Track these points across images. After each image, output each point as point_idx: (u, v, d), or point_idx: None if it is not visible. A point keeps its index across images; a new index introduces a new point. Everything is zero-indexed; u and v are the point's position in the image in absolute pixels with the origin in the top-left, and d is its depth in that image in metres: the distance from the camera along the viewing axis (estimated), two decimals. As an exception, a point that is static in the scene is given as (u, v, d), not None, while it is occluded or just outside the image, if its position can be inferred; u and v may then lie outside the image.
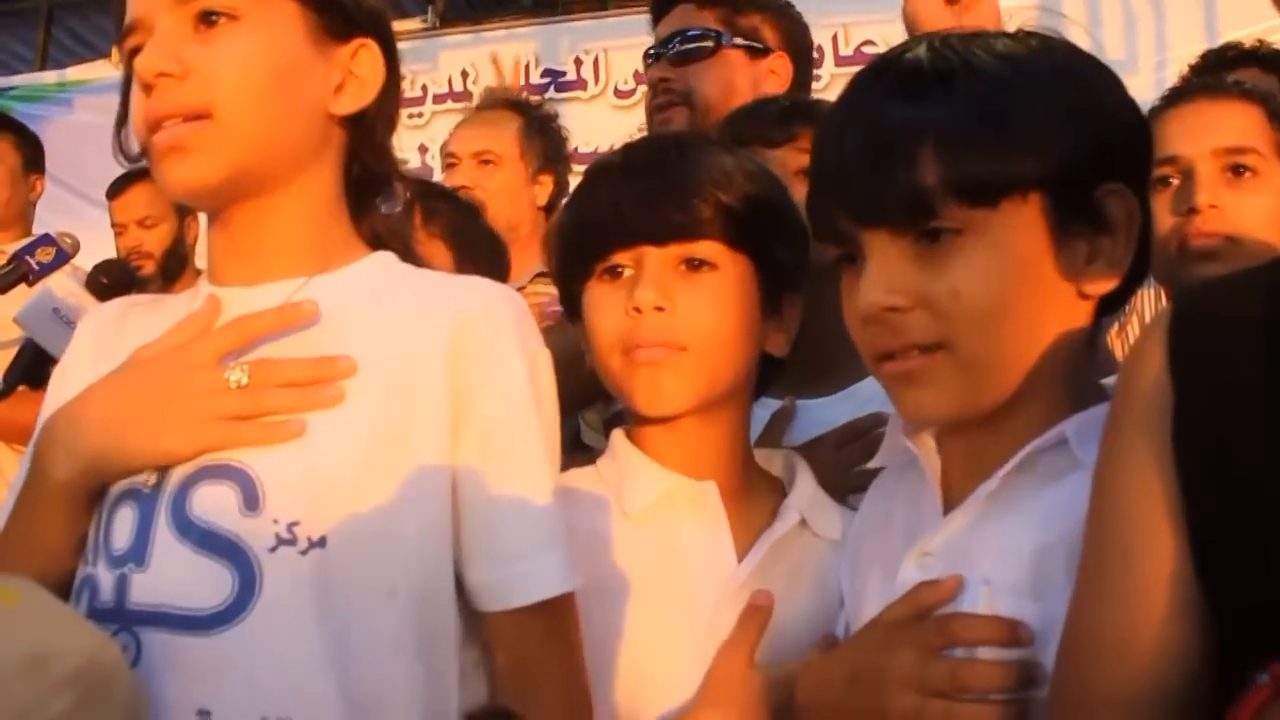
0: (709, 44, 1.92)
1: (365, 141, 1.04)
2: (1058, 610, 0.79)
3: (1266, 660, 0.64)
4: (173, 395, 0.91)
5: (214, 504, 0.89)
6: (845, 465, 1.20)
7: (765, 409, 1.36)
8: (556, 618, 0.97)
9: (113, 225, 3.21)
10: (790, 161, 1.42)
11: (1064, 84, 0.89)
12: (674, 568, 1.08)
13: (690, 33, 1.93)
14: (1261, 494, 0.67)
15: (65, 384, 1.02)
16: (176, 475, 0.91)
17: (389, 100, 1.05)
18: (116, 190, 3.20)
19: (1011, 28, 0.96)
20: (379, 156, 1.06)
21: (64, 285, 1.67)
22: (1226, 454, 0.69)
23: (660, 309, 1.06)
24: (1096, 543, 0.77)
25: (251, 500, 0.89)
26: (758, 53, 1.95)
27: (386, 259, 1.04)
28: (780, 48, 1.97)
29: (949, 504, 0.92)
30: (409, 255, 1.08)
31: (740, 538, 1.08)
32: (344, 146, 1.02)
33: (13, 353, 2.42)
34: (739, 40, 1.93)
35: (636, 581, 1.04)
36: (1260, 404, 0.68)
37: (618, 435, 1.15)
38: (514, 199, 2.39)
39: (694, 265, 1.08)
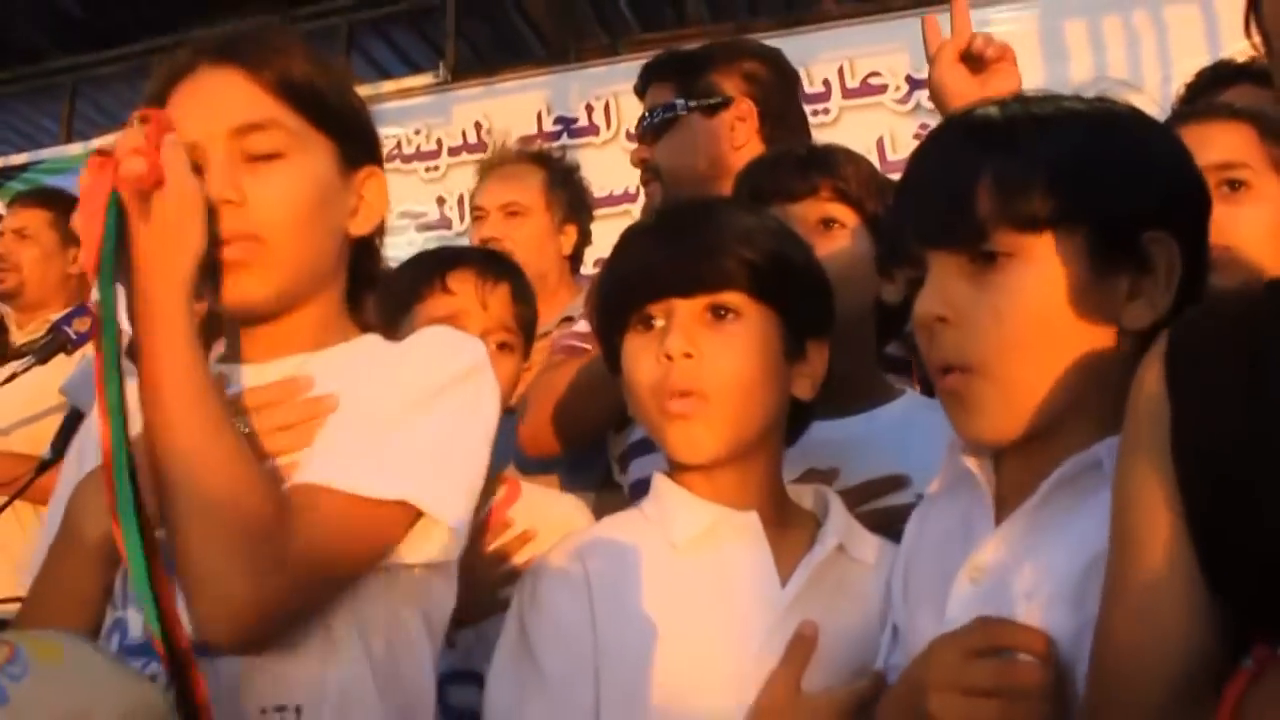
0: (666, 117, 2.00)
1: (367, 252, 1.18)
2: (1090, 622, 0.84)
3: (1254, 644, 0.71)
4: None
5: None
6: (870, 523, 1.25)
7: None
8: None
9: None
10: (811, 214, 1.48)
11: (1117, 137, 0.99)
12: (722, 593, 1.13)
13: (653, 110, 2.03)
14: (1249, 492, 0.75)
15: (83, 452, 1.13)
16: None
17: (385, 217, 1.20)
18: None
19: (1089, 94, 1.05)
20: (375, 260, 1.20)
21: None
22: (1215, 457, 0.77)
23: (688, 355, 1.12)
24: (1113, 547, 0.84)
25: None
26: (716, 107, 1.98)
27: (374, 338, 1.17)
28: (742, 94, 2.00)
29: (1001, 521, 0.99)
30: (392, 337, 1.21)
31: (782, 564, 1.14)
32: (350, 256, 1.16)
33: (52, 420, 2.52)
34: (694, 103, 1.98)
35: (688, 609, 1.10)
36: (1242, 416, 0.76)
37: (660, 478, 1.21)
38: (540, 249, 2.45)
39: (720, 314, 1.15)
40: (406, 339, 1.16)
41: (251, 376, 1.09)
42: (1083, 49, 3.96)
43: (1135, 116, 1.01)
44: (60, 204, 3.13)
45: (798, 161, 1.53)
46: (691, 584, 1.11)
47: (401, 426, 1.04)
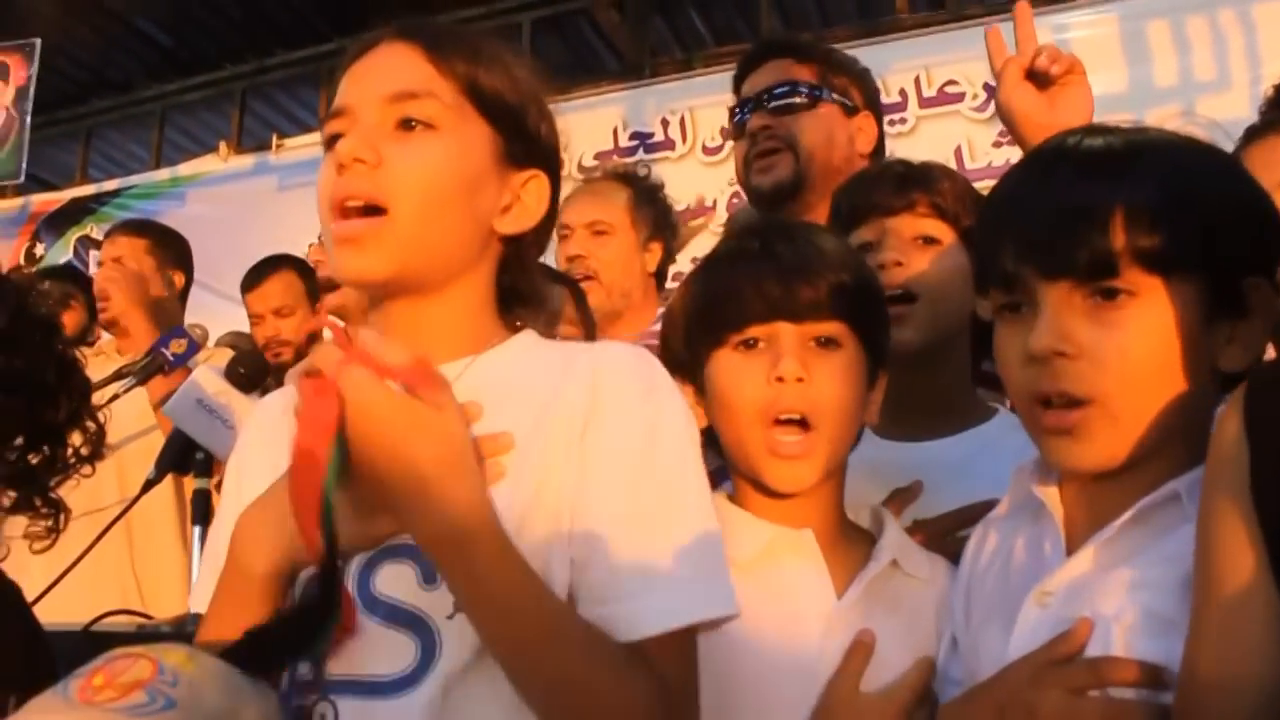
0: (810, 96, 1.97)
1: (517, 259, 1.10)
2: (1175, 649, 0.86)
3: None
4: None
5: (396, 580, 0.96)
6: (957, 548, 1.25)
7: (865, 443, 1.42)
8: (669, 651, 0.98)
9: (250, 316, 3.35)
10: (908, 229, 1.48)
11: (1234, 181, 1.00)
12: (780, 608, 1.14)
13: (792, 85, 1.98)
14: None
15: (241, 475, 1.11)
16: (359, 557, 0.97)
17: (546, 228, 1.12)
18: (251, 283, 3.35)
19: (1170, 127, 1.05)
20: (527, 275, 1.12)
21: (206, 378, 1.80)
22: None
23: (801, 380, 1.14)
24: (1197, 584, 0.86)
25: (429, 574, 0.95)
26: (850, 110, 2.01)
27: (530, 335, 1.11)
28: (865, 108, 2.03)
29: (1070, 548, 1.00)
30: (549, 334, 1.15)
31: (838, 578, 1.16)
32: (499, 257, 1.09)
33: (150, 439, 2.61)
34: (835, 96, 1.99)
35: (746, 624, 1.08)
36: None
37: (720, 499, 1.21)
38: (626, 267, 2.46)
39: (823, 343, 1.17)
40: (591, 360, 1.04)
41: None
42: (1166, 52, 3.89)
43: (1226, 153, 1.03)
44: (153, 231, 3.24)
45: (896, 177, 1.54)
46: (750, 600, 1.09)
47: (678, 518, 0.99)
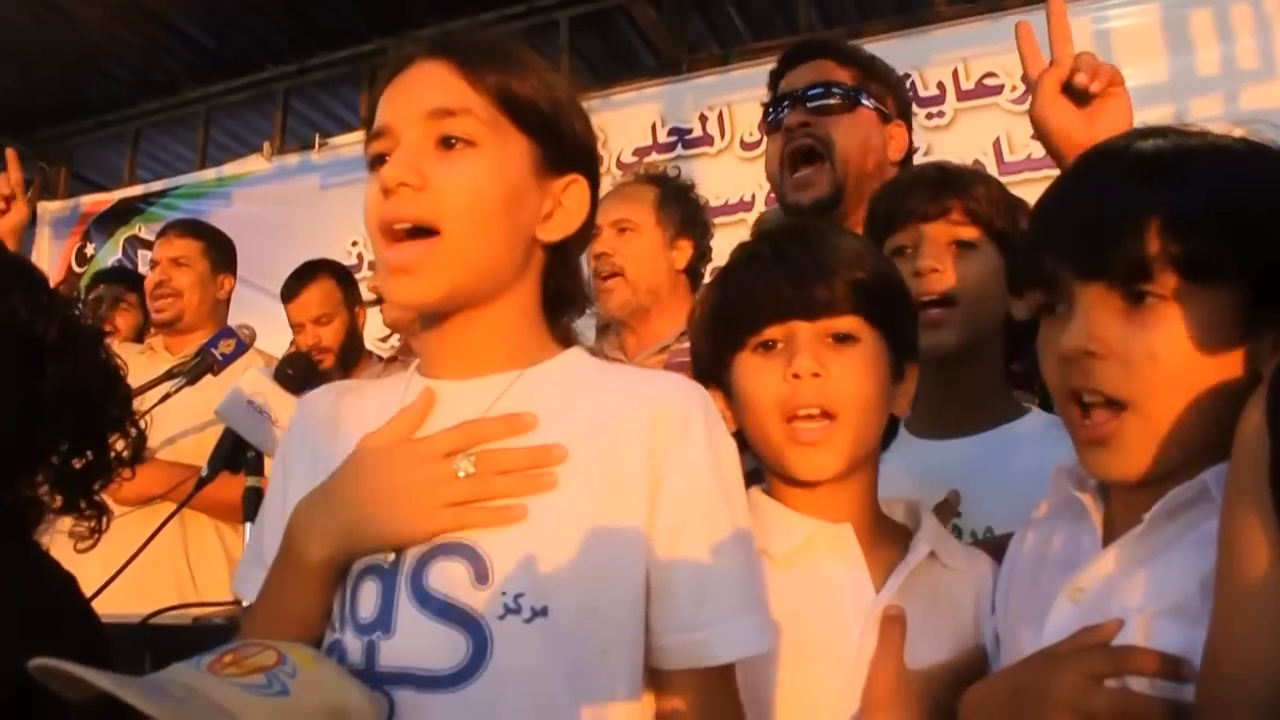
0: (848, 99, 1.98)
1: (562, 263, 1.13)
2: (1198, 641, 0.87)
3: None
4: (410, 485, 1.00)
5: (449, 578, 0.99)
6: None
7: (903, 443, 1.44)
8: (728, 678, 1.06)
9: (291, 325, 3.41)
10: (943, 234, 1.51)
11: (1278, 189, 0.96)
12: (819, 602, 1.16)
13: (832, 85, 1.99)
14: None
15: (286, 469, 1.14)
16: (413, 553, 1.01)
17: (587, 230, 1.15)
18: (291, 293, 3.41)
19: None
20: (572, 277, 1.15)
21: (256, 380, 1.84)
22: None
23: (816, 375, 1.16)
24: (1218, 578, 0.86)
25: (482, 575, 0.98)
26: (884, 117, 2.01)
27: (580, 354, 1.14)
28: (898, 117, 2.04)
29: (1106, 545, 1.01)
30: (595, 353, 1.19)
31: (875, 572, 1.17)
32: (543, 264, 1.12)
33: (202, 436, 2.66)
34: (872, 102, 1.99)
35: (786, 618, 1.11)
36: None
37: (755, 493, 1.23)
38: (652, 263, 2.49)
39: (840, 339, 1.18)
40: (651, 393, 1.08)
41: (459, 396, 1.06)
42: (1209, 41, 3.83)
43: None
44: (209, 233, 3.30)
45: (930, 183, 1.56)
46: (788, 594, 1.13)
47: (744, 550, 1.05)
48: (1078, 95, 1.36)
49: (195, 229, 3.31)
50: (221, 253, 3.25)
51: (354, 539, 1.02)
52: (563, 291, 1.14)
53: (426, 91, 1.05)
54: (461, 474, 1.01)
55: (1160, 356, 0.94)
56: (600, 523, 1.00)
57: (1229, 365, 0.94)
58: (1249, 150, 1.00)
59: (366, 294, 3.54)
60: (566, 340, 1.15)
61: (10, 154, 2.42)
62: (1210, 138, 1.01)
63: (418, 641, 0.98)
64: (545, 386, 1.07)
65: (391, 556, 1.01)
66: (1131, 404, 0.95)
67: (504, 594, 0.97)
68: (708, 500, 1.04)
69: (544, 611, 0.97)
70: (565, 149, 1.10)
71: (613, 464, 1.02)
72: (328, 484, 1.04)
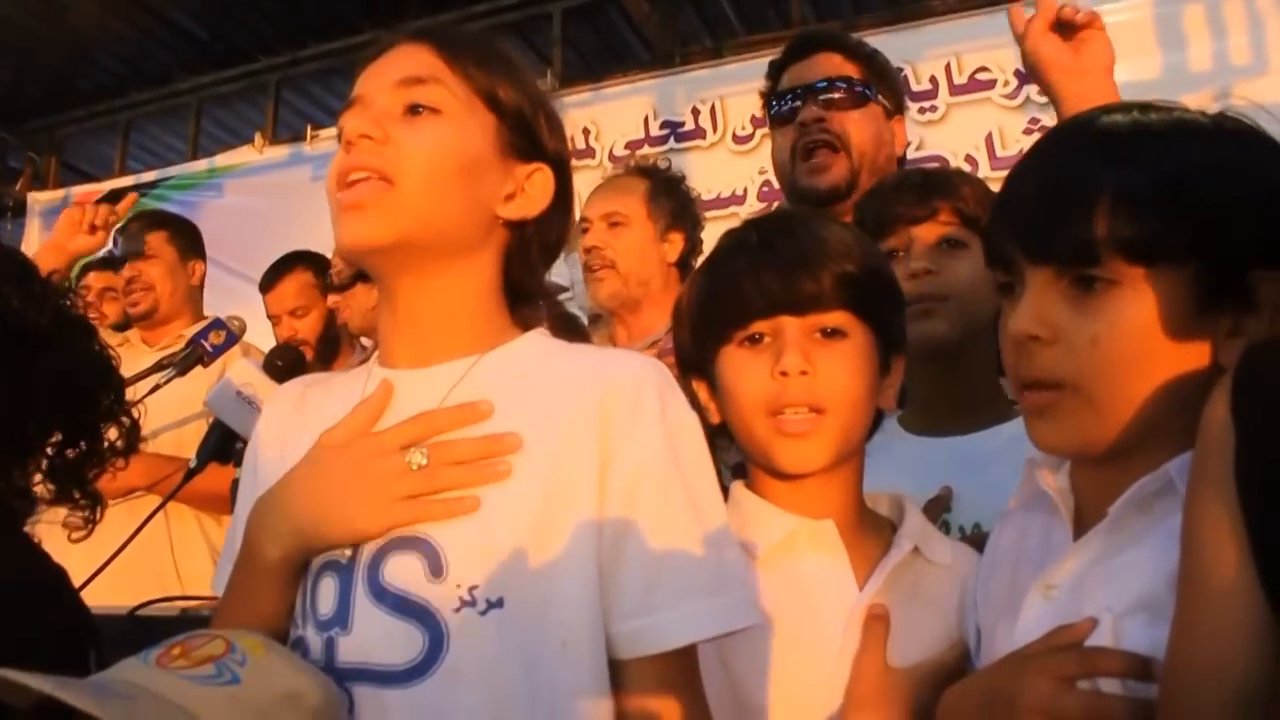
0: (860, 95, 1.98)
1: (521, 250, 1.12)
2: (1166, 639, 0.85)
3: None
4: (362, 480, 1.00)
5: (404, 572, 0.98)
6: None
7: (896, 439, 1.43)
8: (687, 666, 1.04)
9: (269, 317, 3.38)
10: (933, 235, 1.52)
11: (1241, 170, 0.92)
12: (801, 600, 1.15)
13: (845, 81, 1.98)
14: None
15: (257, 459, 1.14)
16: (369, 548, 1.00)
17: (552, 226, 1.14)
18: (268, 284, 3.38)
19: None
20: (529, 271, 1.14)
21: (244, 371, 1.83)
22: (1276, 481, 0.76)
23: (804, 373, 1.14)
24: (1181, 572, 0.84)
25: (436, 568, 0.97)
26: (892, 113, 2.02)
27: (539, 336, 1.13)
28: (897, 112, 2.05)
29: (1078, 539, 0.99)
30: (558, 334, 1.17)
31: (859, 568, 1.16)
32: (504, 248, 1.12)
33: (192, 428, 2.66)
34: (880, 98, 2.00)
35: (768, 616, 1.10)
36: None
37: (738, 487, 1.23)
38: (643, 256, 2.48)
39: (828, 334, 1.17)
40: (605, 371, 1.06)
41: (417, 385, 1.06)
42: (1202, 36, 3.83)
43: (1261, 143, 0.95)
44: (172, 221, 3.29)
45: (917, 186, 1.56)
46: (771, 591, 1.12)
47: (703, 532, 1.02)
48: (1065, 33, 1.50)
49: (156, 220, 3.30)
50: (187, 239, 3.23)
51: (307, 537, 1.01)
52: (518, 284, 1.13)
53: (400, 64, 1.07)
54: (414, 467, 1.00)
55: (1102, 341, 0.91)
56: (553, 510, 0.99)
57: (1187, 348, 0.91)
58: (1214, 128, 0.96)
59: None
60: (527, 324, 1.13)
61: (129, 198, 2.65)
62: (1177, 113, 0.97)
63: (374, 637, 0.98)
64: (501, 372, 1.06)
65: (349, 552, 1.01)
66: (1070, 385, 0.93)
67: (459, 587, 0.97)
68: (660, 479, 1.01)
69: (499, 603, 0.96)
70: (533, 141, 1.11)
71: (565, 449, 1.01)
72: (282, 482, 1.04)
